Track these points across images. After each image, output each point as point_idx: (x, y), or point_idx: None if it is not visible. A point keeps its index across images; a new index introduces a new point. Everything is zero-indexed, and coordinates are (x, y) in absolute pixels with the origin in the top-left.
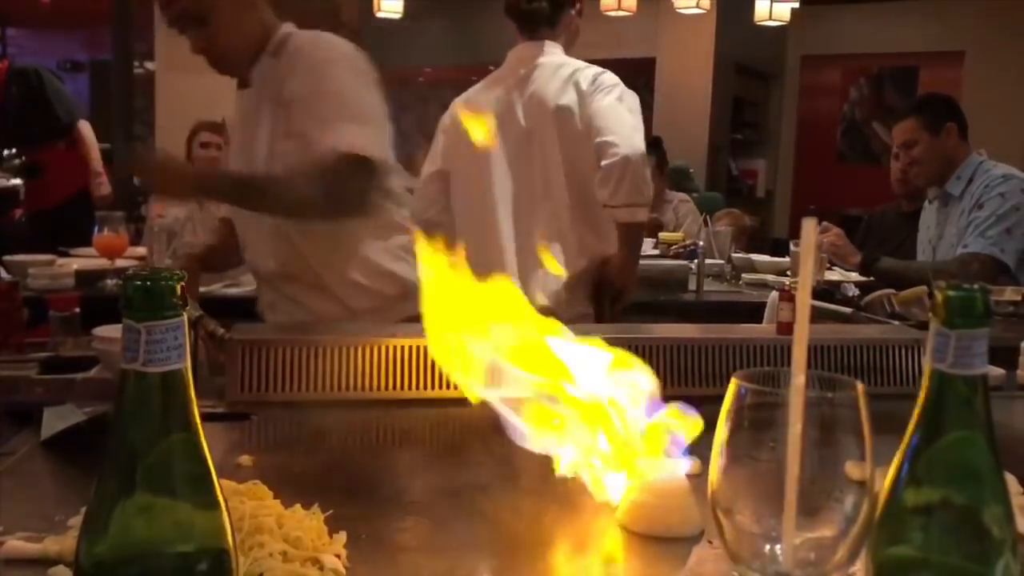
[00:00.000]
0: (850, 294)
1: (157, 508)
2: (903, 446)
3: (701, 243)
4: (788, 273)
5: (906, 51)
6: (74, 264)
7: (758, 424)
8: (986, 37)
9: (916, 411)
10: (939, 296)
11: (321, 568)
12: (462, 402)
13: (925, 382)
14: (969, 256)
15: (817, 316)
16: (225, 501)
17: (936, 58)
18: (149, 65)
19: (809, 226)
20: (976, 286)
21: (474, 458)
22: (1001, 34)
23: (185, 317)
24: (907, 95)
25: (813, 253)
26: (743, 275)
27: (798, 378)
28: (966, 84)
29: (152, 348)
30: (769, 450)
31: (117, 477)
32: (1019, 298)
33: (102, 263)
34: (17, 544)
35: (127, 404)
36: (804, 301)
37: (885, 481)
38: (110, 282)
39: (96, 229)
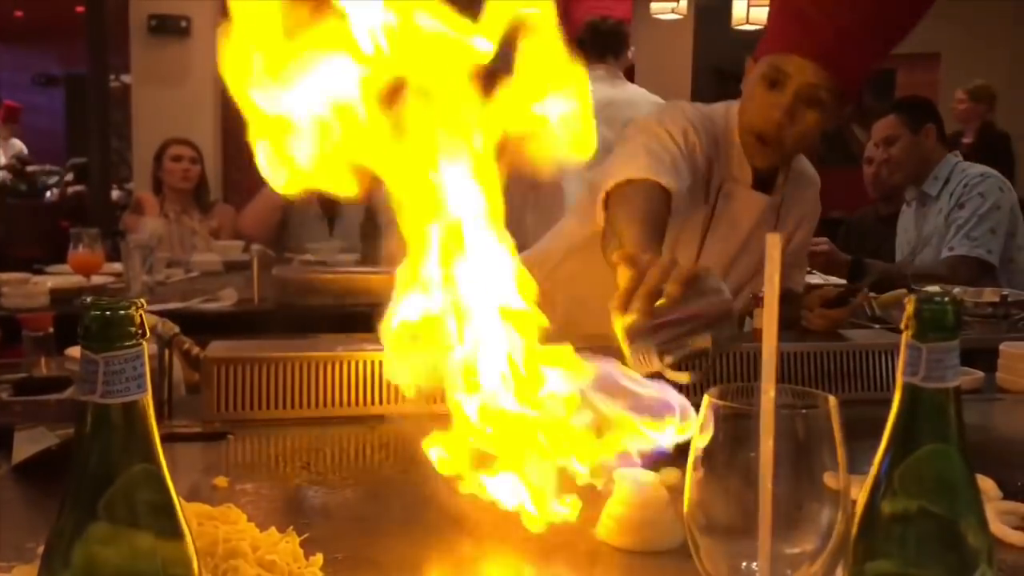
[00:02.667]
0: None
1: (119, 540)
2: (877, 460)
3: None
4: None
5: None
6: (49, 282)
7: (732, 439)
8: (961, 39)
9: (889, 424)
10: (909, 309)
11: None
12: (442, 418)
13: (897, 395)
14: (957, 259)
15: None
16: (190, 530)
17: (912, 60)
18: (125, 78)
19: (773, 242)
20: (947, 298)
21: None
22: (976, 36)
23: (145, 346)
24: (884, 97)
25: (779, 271)
26: None
27: (767, 393)
28: (942, 86)
29: (111, 379)
30: (744, 465)
31: (78, 509)
32: (997, 299)
33: (78, 280)
34: None
35: (86, 436)
36: (772, 316)
37: (861, 495)
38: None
39: (71, 246)
